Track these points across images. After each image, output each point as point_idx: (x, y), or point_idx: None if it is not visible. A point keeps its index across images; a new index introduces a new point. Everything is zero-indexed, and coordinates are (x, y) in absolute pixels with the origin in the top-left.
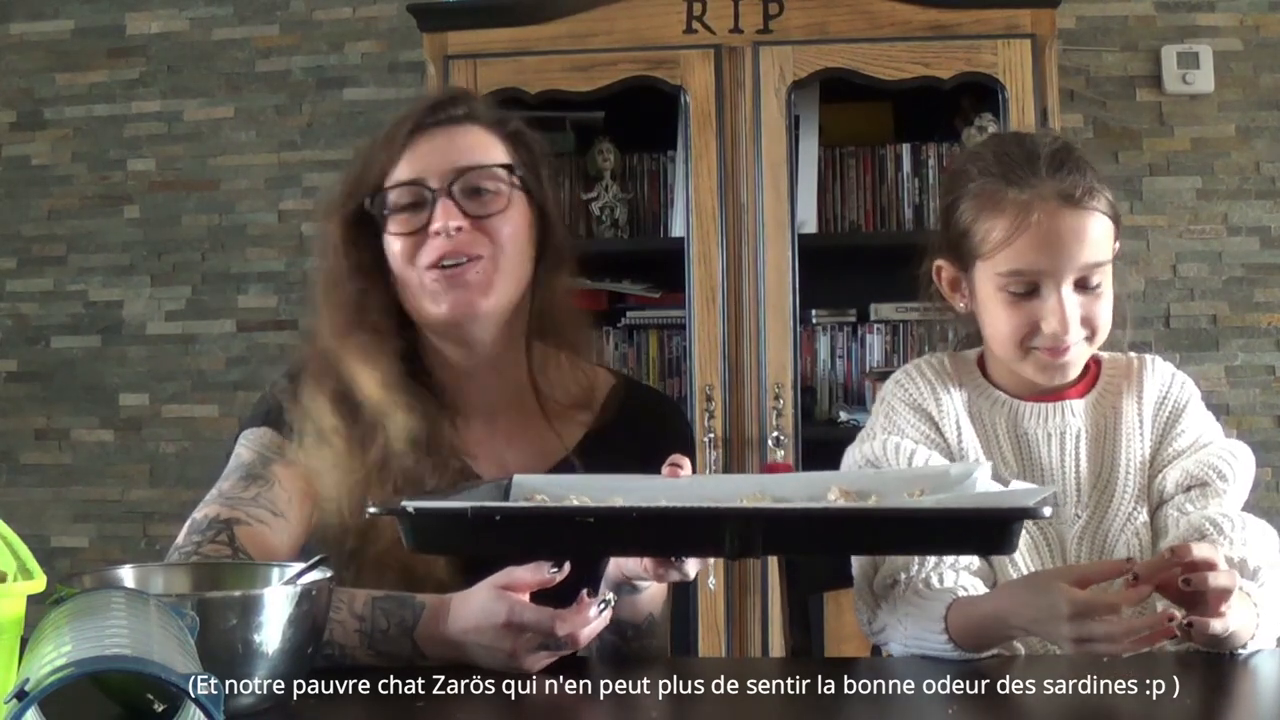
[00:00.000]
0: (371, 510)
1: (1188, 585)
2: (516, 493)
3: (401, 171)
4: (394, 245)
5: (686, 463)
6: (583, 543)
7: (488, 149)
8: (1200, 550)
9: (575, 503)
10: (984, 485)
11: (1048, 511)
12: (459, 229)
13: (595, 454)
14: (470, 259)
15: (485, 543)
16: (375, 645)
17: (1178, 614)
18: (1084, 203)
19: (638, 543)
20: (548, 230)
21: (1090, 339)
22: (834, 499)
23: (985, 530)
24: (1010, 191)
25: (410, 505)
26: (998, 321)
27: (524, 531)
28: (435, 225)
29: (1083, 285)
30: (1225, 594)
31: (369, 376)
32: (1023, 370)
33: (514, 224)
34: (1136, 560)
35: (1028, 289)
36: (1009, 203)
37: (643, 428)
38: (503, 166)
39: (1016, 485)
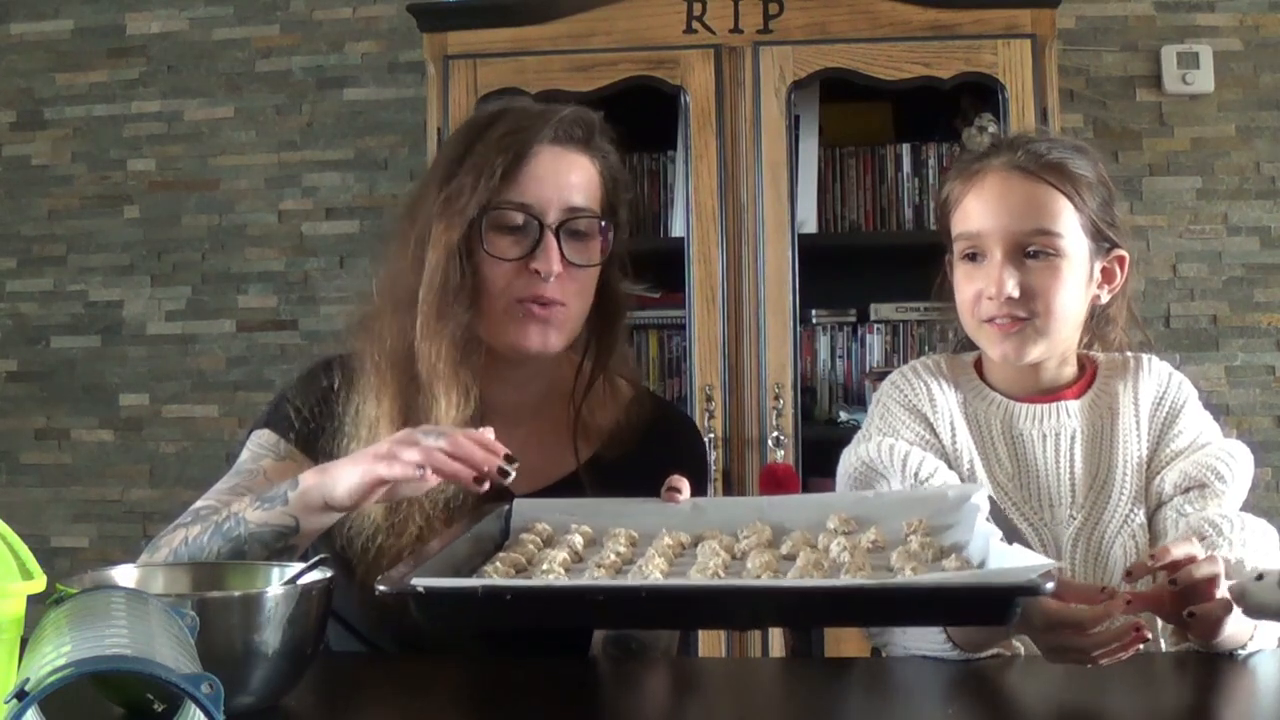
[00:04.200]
0: (382, 589)
1: (1174, 585)
2: (517, 519)
3: (518, 190)
4: (491, 268)
5: (685, 485)
6: (596, 617)
7: (593, 189)
8: (1179, 549)
9: (575, 533)
10: (983, 521)
11: (1049, 587)
12: (558, 274)
13: (603, 480)
14: (558, 304)
15: (498, 617)
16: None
17: (1144, 624)
18: (1031, 171)
19: (649, 618)
20: (609, 268)
21: (1040, 319)
22: (833, 527)
23: (987, 605)
24: (972, 164)
25: (420, 585)
26: (958, 292)
27: (536, 608)
28: (538, 264)
29: (1025, 253)
30: (1213, 580)
31: (454, 415)
32: (983, 346)
33: (596, 272)
34: (1113, 588)
35: (974, 253)
36: (966, 171)
37: (655, 457)
38: (602, 219)
39: (1019, 550)
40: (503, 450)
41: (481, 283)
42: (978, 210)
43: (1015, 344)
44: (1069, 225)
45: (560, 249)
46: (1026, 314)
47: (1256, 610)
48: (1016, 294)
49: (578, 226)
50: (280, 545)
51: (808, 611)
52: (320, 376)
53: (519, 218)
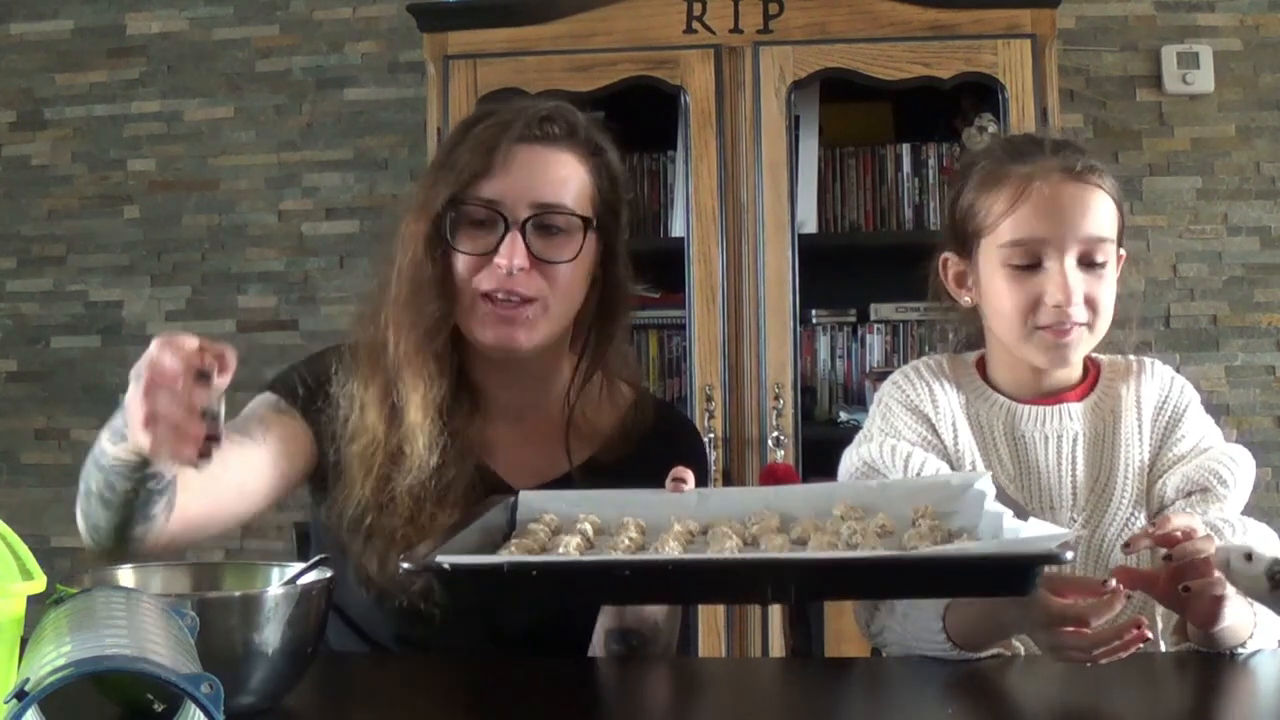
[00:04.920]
0: (406, 567)
1: (1169, 559)
2: (523, 510)
3: (487, 186)
4: (457, 261)
5: (690, 476)
6: (619, 593)
7: (575, 184)
8: (1179, 519)
9: (585, 522)
10: (991, 501)
11: (1070, 555)
12: (521, 269)
13: (600, 476)
14: (524, 300)
15: (523, 594)
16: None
17: (1145, 623)
18: (1086, 177)
19: (672, 593)
20: (611, 266)
21: (1093, 324)
22: (839, 514)
23: (1008, 574)
24: (1013, 167)
25: (445, 561)
26: (1002, 300)
27: (561, 584)
28: (500, 259)
29: (1086, 261)
30: (1210, 559)
31: (422, 398)
32: (1027, 354)
33: (576, 268)
34: (1113, 583)
35: (1030, 261)
36: (1012, 175)
37: (655, 459)
38: (581, 217)
39: (1035, 523)
40: (192, 345)
41: (451, 277)
42: (1038, 217)
43: (1069, 349)
44: (1114, 229)
45: (528, 245)
46: (1085, 319)
47: (1235, 584)
48: (1083, 300)
49: (549, 222)
50: (140, 475)
51: (829, 583)
52: (328, 358)
53: (482, 213)
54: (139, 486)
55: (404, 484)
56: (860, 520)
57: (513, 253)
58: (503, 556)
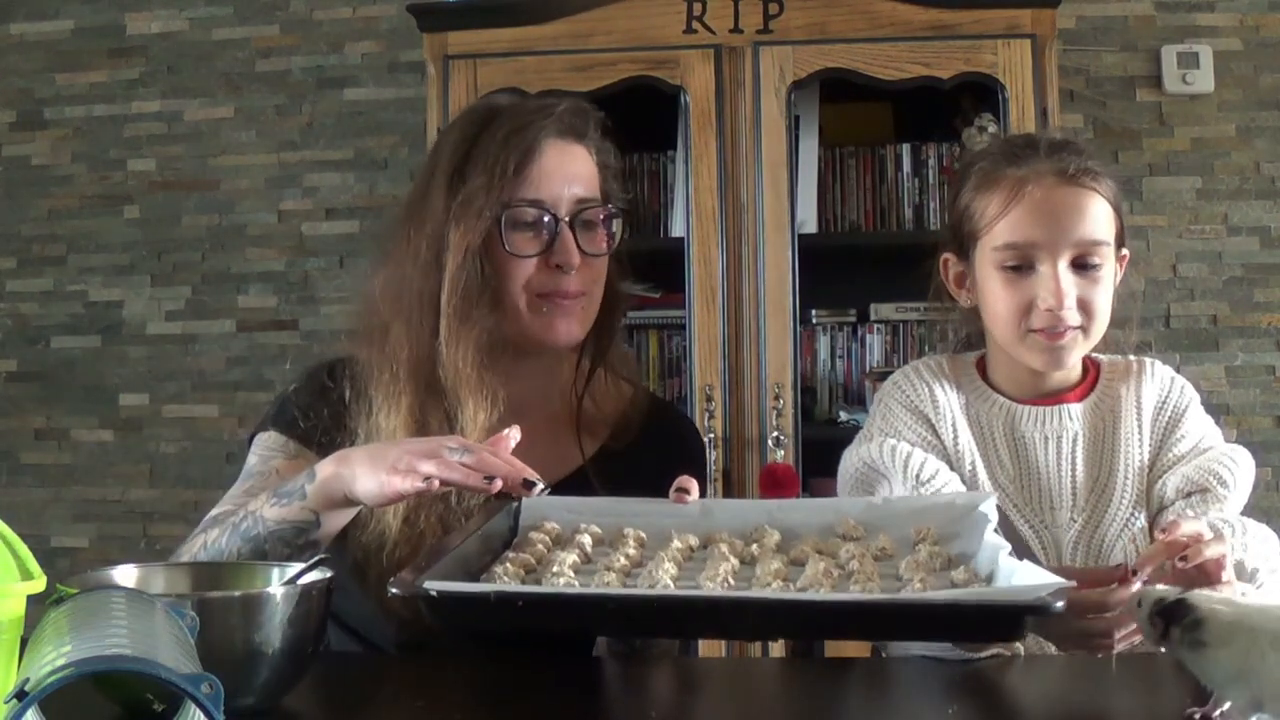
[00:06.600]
0: (393, 592)
1: (1184, 562)
2: (525, 517)
3: (530, 187)
4: (514, 266)
5: (694, 486)
6: (607, 625)
7: (593, 179)
8: (1187, 527)
9: (585, 533)
10: (991, 532)
11: (1059, 606)
12: (574, 266)
13: (610, 470)
14: (580, 294)
15: (508, 622)
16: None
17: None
18: (1080, 180)
19: (660, 627)
20: (610, 260)
21: (1087, 327)
22: (841, 534)
23: (995, 622)
24: (1008, 169)
25: (433, 588)
26: (996, 302)
27: (547, 614)
28: (558, 259)
29: (1080, 265)
30: (1221, 559)
31: (479, 425)
32: (1021, 356)
33: (606, 261)
34: (1128, 566)
35: (1024, 264)
36: (1006, 178)
37: (659, 447)
38: (609, 209)
39: (1029, 566)
40: (529, 473)
41: (503, 282)
42: (1030, 221)
43: (1063, 352)
44: (1111, 232)
45: (576, 240)
46: (1079, 322)
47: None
48: (1075, 304)
49: (588, 217)
50: (301, 541)
51: (816, 625)
52: (324, 378)
53: (533, 214)
54: (295, 555)
55: (436, 510)
56: (860, 541)
57: (570, 251)
58: (490, 585)
